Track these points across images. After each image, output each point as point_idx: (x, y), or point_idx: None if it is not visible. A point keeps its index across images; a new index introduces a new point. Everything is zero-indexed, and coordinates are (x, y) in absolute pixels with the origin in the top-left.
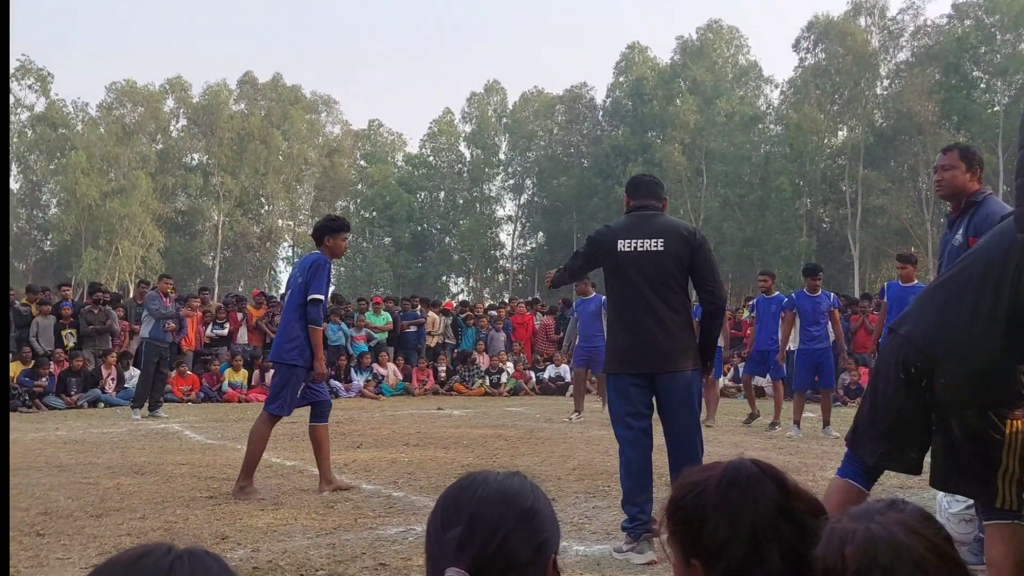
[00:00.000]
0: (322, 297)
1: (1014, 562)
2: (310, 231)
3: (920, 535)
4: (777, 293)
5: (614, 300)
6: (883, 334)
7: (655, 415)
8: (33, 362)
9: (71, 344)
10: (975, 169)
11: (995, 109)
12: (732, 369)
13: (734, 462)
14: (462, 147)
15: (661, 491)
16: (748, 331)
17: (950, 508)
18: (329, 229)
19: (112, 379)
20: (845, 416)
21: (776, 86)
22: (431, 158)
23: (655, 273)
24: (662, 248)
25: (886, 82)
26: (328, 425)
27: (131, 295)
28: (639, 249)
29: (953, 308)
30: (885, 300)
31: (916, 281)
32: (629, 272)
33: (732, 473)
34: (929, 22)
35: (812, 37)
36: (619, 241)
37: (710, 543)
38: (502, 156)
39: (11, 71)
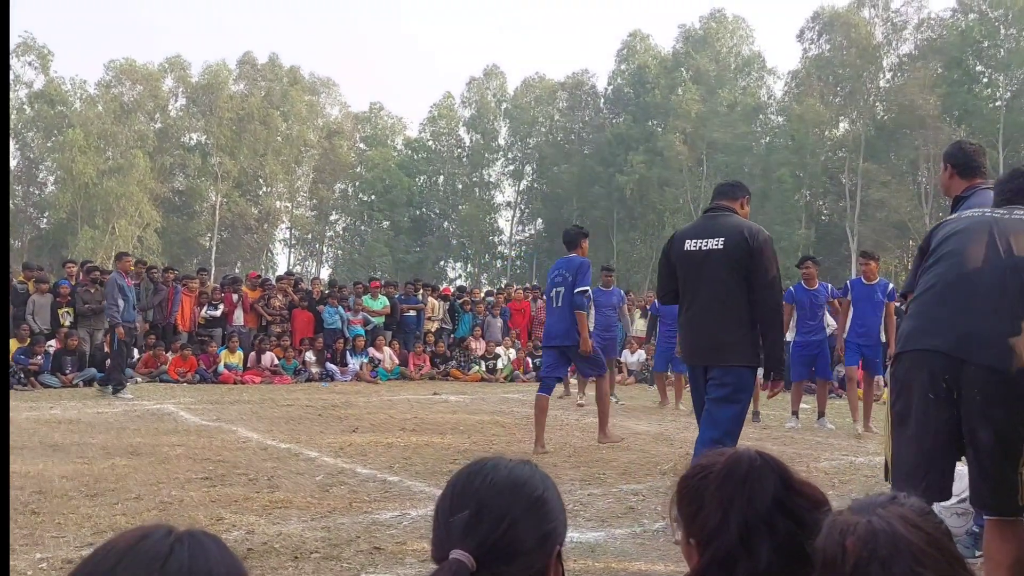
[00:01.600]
0: (588, 288)
1: (1015, 558)
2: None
3: (920, 529)
4: None
5: (682, 297)
6: (848, 335)
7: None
8: (29, 340)
9: (67, 323)
10: (959, 168)
11: (997, 104)
12: None
13: (738, 452)
14: (462, 132)
15: (657, 480)
16: None
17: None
18: (583, 235)
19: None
20: (840, 408)
21: (779, 77)
22: (431, 142)
23: (717, 271)
24: (721, 247)
25: (888, 75)
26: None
27: None
28: (703, 248)
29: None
30: (849, 298)
31: (879, 278)
32: (693, 270)
33: (733, 463)
34: (933, 15)
35: (816, 28)
36: (686, 241)
37: (704, 527)
38: (502, 141)
39: (12, 48)
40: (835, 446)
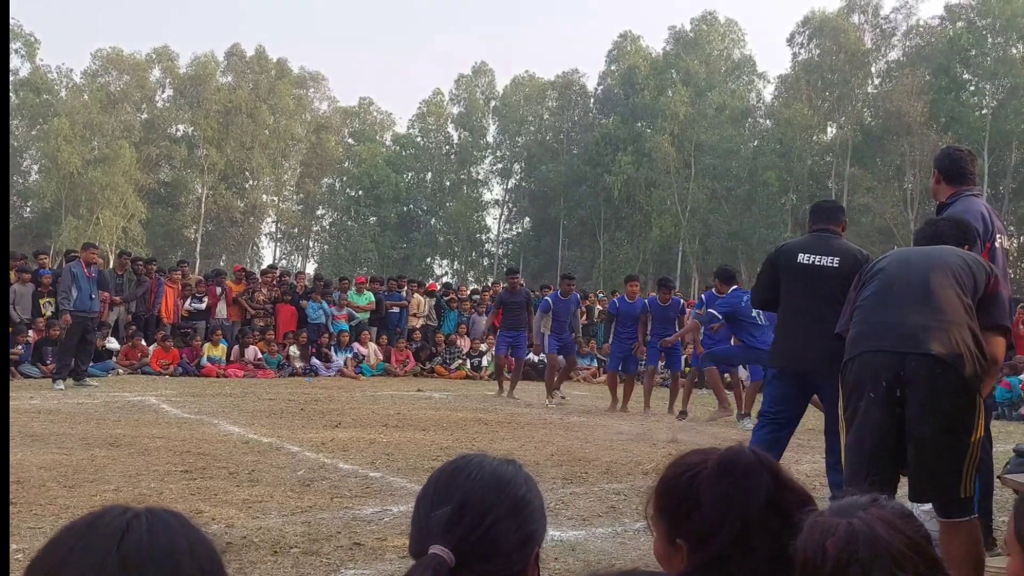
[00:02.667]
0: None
1: (973, 558)
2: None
3: (900, 532)
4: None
5: (788, 304)
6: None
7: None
8: (11, 329)
9: (49, 313)
10: (946, 174)
11: (983, 112)
12: None
13: (733, 448)
14: (450, 129)
15: (639, 480)
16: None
17: (921, 505)
18: None
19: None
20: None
21: (769, 81)
22: (419, 139)
23: (826, 287)
24: (837, 265)
25: (876, 81)
26: None
27: (111, 265)
28: (816, 263)
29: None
30: (704, 311)
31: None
32: (803, 282)
33: (729, 460)
34: (921, 22)
35: (807, 32)
36: (800, 254)
37: (699, 528)
38: (490, 139)
39: None
40: (816, 448)
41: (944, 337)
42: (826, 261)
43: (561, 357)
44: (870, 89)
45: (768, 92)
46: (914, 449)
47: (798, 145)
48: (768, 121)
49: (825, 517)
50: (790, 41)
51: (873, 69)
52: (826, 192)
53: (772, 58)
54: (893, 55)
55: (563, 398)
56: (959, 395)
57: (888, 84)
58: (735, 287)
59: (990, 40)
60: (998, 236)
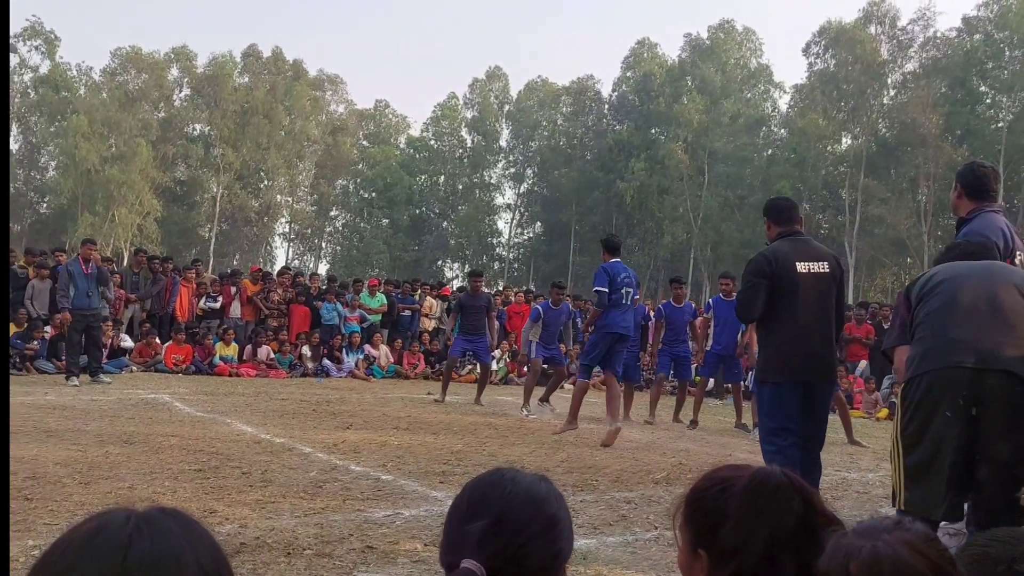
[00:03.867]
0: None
1: None
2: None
3: (924, 556)
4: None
5: (788, 316)
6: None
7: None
8: (27, 325)
9: None
10: (968, 189)
11: (999, 125)
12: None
13: (764, 469)
14: (464, 132)
15: (650, 489)
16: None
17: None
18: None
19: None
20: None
21: (785, 91)
22: (433, 142)
23: (824, 292)
24: (828, 271)
25: (892, 92)
26: None
27: (125, 263)
28: (812, 271)
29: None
30: (710, 315)
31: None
32: (806, 291)
33: (760, 479)
34: (939, 34)
35: (823, 42)
36: (797, 263)
37: (726, 542)
38: (503, 143)
39: (19, 32)
40: (827, 461)
41: (1022, 354)
42: (819, 267)
43: (546, 366)
44: (886, 100)
45: (783, 102)
46: (989, 469)
47: (812, 155)
48: (783, 130)
49: (849, 539)
50: (806, 51)
51: (889, 80)
52: (839, 202)
53: (787, 67)
54: (909, 66)
55: (552, 410)
56: None
57: (904, 95)
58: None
59: (1007, 53)
60: (1018, 253)
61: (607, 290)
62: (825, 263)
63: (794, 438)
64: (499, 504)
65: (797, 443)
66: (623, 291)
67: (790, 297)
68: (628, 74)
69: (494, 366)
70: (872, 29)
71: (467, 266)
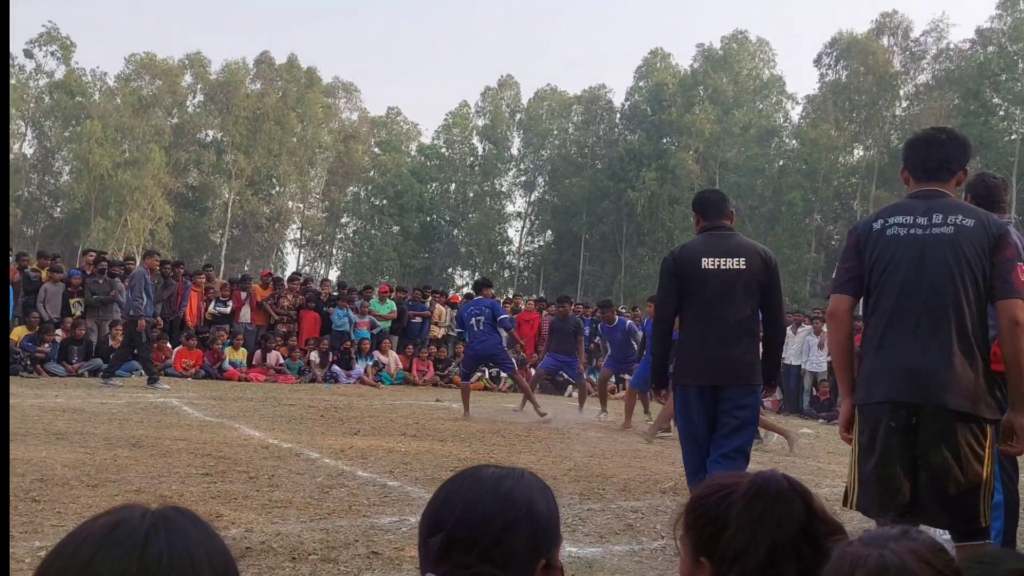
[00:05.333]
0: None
1: None
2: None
3: (931, 565)
4: None
5: (694, 316)
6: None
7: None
8: (38, 327)
9: (78, 313)
10: (980, 200)
11: (1012, 138)
12: None
13: (765, 473)
14: (475, 140)
15: (656, 498)
16: None
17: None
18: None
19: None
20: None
21: (797, 102)
22: (444, 149)
23: (735, 291)
24: (744, 267)
25: (905, 103)
26: None
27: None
28: (723, 267)
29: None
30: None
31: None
32: (712, 289)
33: (761, 485)
34: (952, 46)
35: (834, 53)
36: (703, 259)
37: (727, 548)
38: (514, 152)
39: (37, 36)
40: (836, 472)
41: (957, 381)
42: (732, 263)
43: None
44: (898, 111)
45: (795, 113)
46: (926, 477)
47: (824, 166)
48: (794, 141)
49: (855, 547)
50: (817, 62)
51: (901, 92)
52: (851, 214)
53: (799, 78)
54: (922, 78)
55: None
56: (972, 432)
57: (916, 107)
58: None
59: (1021, 65)
60: None
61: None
62: (741, 259)
63: (695, 445)
64: (457, 511)
65: (699, 450)
66: None
67: (695, 295)
68: (641, 83)
69: (503, 374)
70: (884, 40)
71: (477, 274)
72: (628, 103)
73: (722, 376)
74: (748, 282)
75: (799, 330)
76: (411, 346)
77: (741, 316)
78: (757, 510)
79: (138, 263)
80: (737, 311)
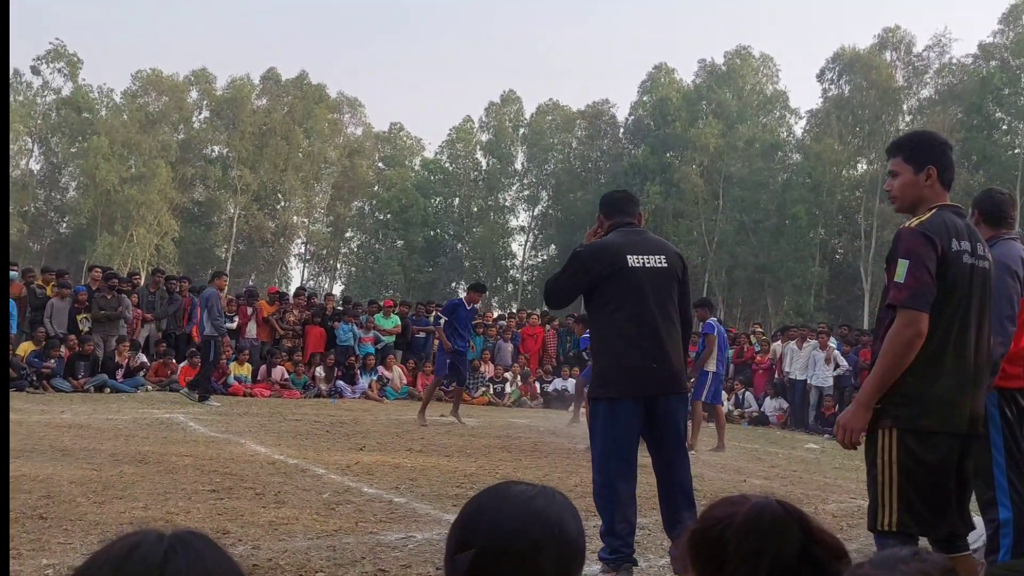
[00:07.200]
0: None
1: None
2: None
3: None
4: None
5: (621, 317)
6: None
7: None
8: (45, 343)
9: (85, 329)
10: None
11: (1015, 152)
12: (735, 395)
13: (759, 503)
14: (479, 155)
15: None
16: (757, 357)
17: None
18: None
19: (122, 366)
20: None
21: (801, 116)
22: (448, 164)
23: (663, 290)
24: (666, 265)
25: (908, 118)
26: None
27: (143, 283)
28: (647, 265)
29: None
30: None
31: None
32: (642, 288)
33: (756, 515)
34: (954, 61)
35: (837, 68)
36: (628, 256)
37: None
38: (518, 166)
39: (44, 53)
40: (843, 488)
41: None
42: (655, 261)
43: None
44: (901, 126)
45: (799, 127)
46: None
47: (828, 180)
48: (798, 155)
49: (866, 569)
50: (820, 77)
51: (905, 106)
52: (855, 227)
53: (802, 92)
54: (925, 92)
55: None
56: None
57: (920, 121)
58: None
59: None
60: None
61: None
62: (663, 256)
63: (625, 466)
64: (484, 532)
65: (628, 473)
66: None
67: (622, 296)
68: (644, 98)
69: (507, 389)
70: (887, 55)
71: None
72: (632, 117)
73: (658, 386)
74: (672, 282)
75: (804, 345)
76: (413, 361)
77: (672, 319)
78: (754, 542)
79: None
80: (668, 313)
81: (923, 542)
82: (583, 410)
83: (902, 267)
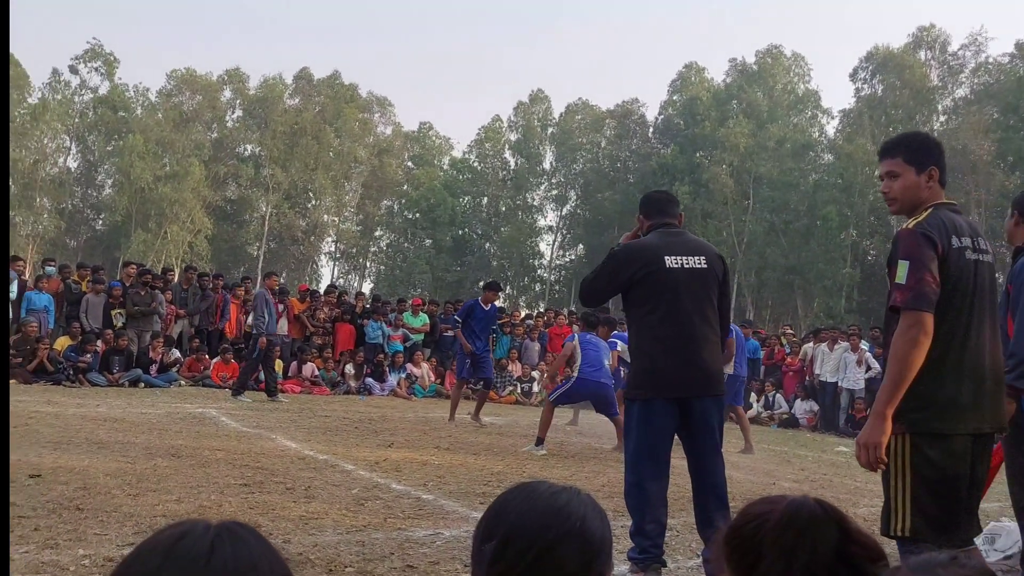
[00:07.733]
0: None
1: None
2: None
3: None
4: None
5: (655, 319)
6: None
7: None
8: (80, 338)
9: (120, 324)
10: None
11: None
12: (764, 397)
13: (796, 500)
14: (507, 155)
15: (691, 516)
16: (787, 359)
17: (988, 557)
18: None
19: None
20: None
21: (833, 116)
22: (476, 163)
23: (701, 291)
24: (705, 266)
25: (943, 118)
26: None
27: (176, 279)
28: (686, 266)
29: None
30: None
31: None
32: (678, 290)
33: (793, 512)
34: (991, 60)
35: (870, 68)
36: (666, 257)
37: None
38: (547, 166)
39: (79, 54)
40: (874, 492)
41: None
42: (694, 262)
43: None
44: (936, 126)
45: (831, 127)
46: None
47: (860, 180)
48: (829, 155)
49: (903, 573)
50: (853, 76)
51: (939, 106)
52: (887, 228)
53: (834, 92)
54: (960, 92)
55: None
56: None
57: (955, 121)
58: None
59: None
60: None
61: None
62: (702, 257)
63: (656, 467)
64: (509, 521)
65: (659, 474)
66: None
67: (658, 297)
68: (674, 97)
69: (534, 388)
70: (921, 55)
71: (508, 288)
72: (661, 117)
73: (694, 388)
74: (712, 283)
75: (836, 347)
76: (441, 359)
77: (710, 320)
78: (790, 539)
79: (257, 284)
80: (706, 315)
81: None
82: (582, 411)
83: (902, 268)
